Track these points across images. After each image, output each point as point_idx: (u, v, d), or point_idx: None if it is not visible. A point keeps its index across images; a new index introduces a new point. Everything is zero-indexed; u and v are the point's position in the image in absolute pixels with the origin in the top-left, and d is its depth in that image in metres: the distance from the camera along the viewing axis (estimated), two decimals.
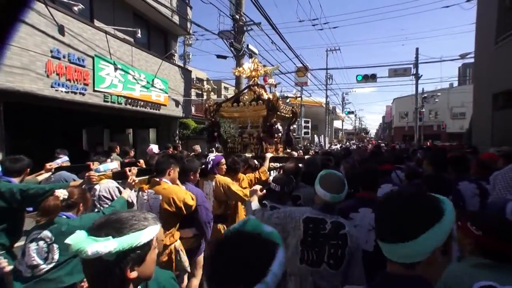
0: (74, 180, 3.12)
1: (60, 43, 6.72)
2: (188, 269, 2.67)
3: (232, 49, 11.71)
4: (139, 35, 8.89)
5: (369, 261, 1.87)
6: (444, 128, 29.52)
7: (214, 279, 0.71)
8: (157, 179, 2.58)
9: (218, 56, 12.49)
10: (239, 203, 3.34)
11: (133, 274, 0.87)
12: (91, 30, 7.66)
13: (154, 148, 7.76)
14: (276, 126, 4.95)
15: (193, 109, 21.22)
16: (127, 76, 8.95)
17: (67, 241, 0.84)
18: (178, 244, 2.61)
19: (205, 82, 39.91)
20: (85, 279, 1.84)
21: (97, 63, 7.76)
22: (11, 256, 2.30)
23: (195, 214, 2.68)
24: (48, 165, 3.34)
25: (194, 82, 23.77)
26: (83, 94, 7.40)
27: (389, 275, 0.91)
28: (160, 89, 10.54)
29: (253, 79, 5.08)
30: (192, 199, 2.57)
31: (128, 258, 0.86)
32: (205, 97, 35.14)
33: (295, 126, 20.35)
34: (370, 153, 8.10)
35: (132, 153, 6.95)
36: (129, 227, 0.87)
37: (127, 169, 2.78)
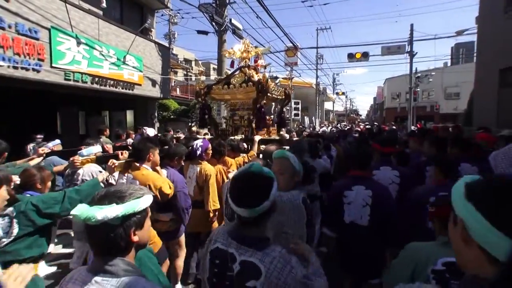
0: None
1: (3, 10, 5.85)
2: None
3: (214, 24, 10.85)
4: (104, 4, 7.95)
5: (364, 235, 2.15)
6: (438, 109, 28.85)
7: (238, 199, 1.19)
8: (137, 164, 2.58)
9: (199, 32, 11.61)
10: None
11: (136, 238, 0.99)
12: None
13: (150, 132, 7.47)
14: (264, 108, 4.87)
15: (178, 90, 20.39)
16: (93, 51, 8.10)
17: (73, 212, 0.93)
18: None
19: (193, 63, 38.66)
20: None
21: (55, 36, 6.90)
22: None
23: (173, 200, 2.73)
24: (40, 150, 3.40)
25: (179, 62, 22.71)
26: (38, 71, 6.59)
27: None
28: (133, 67, 9.71)
29: (244, 61, 4.95)
30: (170, 187, 2.59)
31: (131, 222, 0.97)
32: (193, 78, 34.18)
33: (288, 108, 19.76)
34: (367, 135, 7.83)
35: (124, 136, 6.88)
36: (129, 195, 0.98)
37: (119, 152, 2.91)
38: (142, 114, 11.94)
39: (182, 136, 7.78)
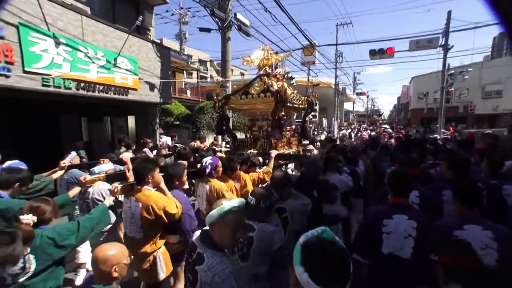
0: None
1: None
2: (160, 278, 2.54)
3: (217, 19, 9.75)
4: None
5: (406, 269, 1.98)
6: (472, 110, 25.74)
7: (328, 279, 0.95)
8: (139, 187, 2.49)
9: (201, 29, 10.56)
10: None
11: None
12: None
13: (167, 140, 7.65)
14: (284, 120, 4.67)
15: (188, 92, 19.53)
16: (76, 53, 7.19)
17: None
18: (161, 251, 2.54)
19: (208, 63, 38.00)
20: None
21: (25, 35, 5.99)
22: None
23: (178, 223, 2.60)
24: (62, 163, 3.43)
25: (190, 63, 21.87)
26: (7, 76, 5.71)
27: None
28: (127, 70, 8.77)
29: (263, 68, 4.62)
30: (177, 207, 2.46)
31: None
32: (208, 80, 33.45)
33: (311, 117, 18.29)
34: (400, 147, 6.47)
35: (149, 144, 6.76)
36: None
37: (126, 170, 2.92)
38: (142, 120, 11.05)
39: (200, 145, 7.28)
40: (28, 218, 1.86)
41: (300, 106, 4.92)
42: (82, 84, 7.42)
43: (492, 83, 25.09)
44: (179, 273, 2.85)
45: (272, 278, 2.01)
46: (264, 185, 3.29)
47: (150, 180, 2.50)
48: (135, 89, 9.14)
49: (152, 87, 9.87)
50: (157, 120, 11.08)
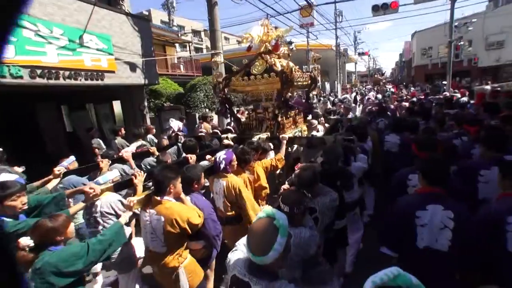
0: (84, 184, 2.86)
1: None
2: None
3: None
4: None
5: (442, 261, 1.76)
6: (476, 62, 23.80)
7: None
8: (158, 198, 2.21)
9: None
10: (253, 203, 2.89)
11: None
12: None
13: (175, 125, 6.40)
14: (291, 100, 4.49)
15: (181, 67, 17.56)
16: (21, 31, 5.44)
17: None
18: (186, 263, 2.31)
19: (202, 33, 35.08)
20: None
21: None
22: None
23: (202, 229, 2.39)
24: (56, 170, 2.94)
25: (180, 35, 19.49)
26: None
27: None
28: (98, 50, 7.01)
29: (263, 45, 4.24)
30: (199, 216, 2.28)
31: None
32: (204, 50, 30.90)
33: (314, 92, 16.58)
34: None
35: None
36: None
37: (133, 176, 2.63)
38: (129, 105, 9.45)
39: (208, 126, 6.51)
40: (24, 241, 1.63)
41: (304, 83, 4.55)
42: (39, 71, 5.79)
43: (495, 33, 22.83)
44: (208, 275, 2.70)
45: (305, 276, 1.89)
46: (291, 180, 2.90)
47: (172, 190, 2.23)
48: (112, 71, 7.46)
49: (133, 67, 8.14)
50: (145, 104, 9.47)
